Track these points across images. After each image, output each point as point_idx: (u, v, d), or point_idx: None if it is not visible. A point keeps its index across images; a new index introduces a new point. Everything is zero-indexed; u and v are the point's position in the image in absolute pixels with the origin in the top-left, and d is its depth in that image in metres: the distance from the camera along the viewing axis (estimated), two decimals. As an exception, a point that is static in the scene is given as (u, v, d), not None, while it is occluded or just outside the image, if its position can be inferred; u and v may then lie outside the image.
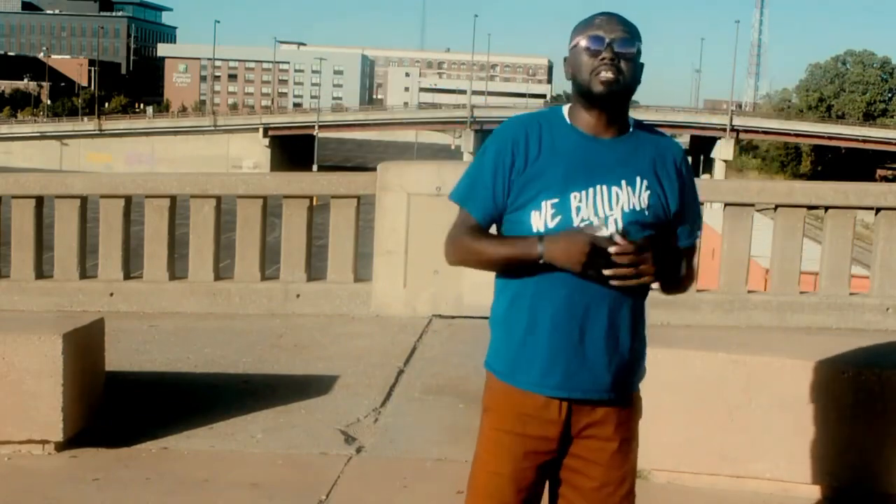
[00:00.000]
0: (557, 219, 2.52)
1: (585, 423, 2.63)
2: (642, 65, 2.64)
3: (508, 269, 2.59)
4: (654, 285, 2.61)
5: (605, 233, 2.47)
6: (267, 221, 8.36)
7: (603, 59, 2.53)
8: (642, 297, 2.66)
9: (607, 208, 2.53)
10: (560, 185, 2.54)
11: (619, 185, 2.55)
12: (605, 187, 2.54)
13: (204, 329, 7.58)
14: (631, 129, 2.65)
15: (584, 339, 2.56)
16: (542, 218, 2.54)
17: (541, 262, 2.50)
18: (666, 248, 2.60)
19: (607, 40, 2.54)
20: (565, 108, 2.65)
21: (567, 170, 2.55)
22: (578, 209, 2.53)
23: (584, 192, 2.53)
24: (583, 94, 2.59)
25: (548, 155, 2.56)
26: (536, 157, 2.57)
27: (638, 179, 2.57)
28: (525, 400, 2.61)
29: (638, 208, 2.55)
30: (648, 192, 2.58)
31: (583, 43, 2.57)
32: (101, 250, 8.34)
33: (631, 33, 2.58)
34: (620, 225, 2.52)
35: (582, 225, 2.51)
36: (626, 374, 2.66)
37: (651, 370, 4.53)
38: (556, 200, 2.53)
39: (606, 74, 2.52)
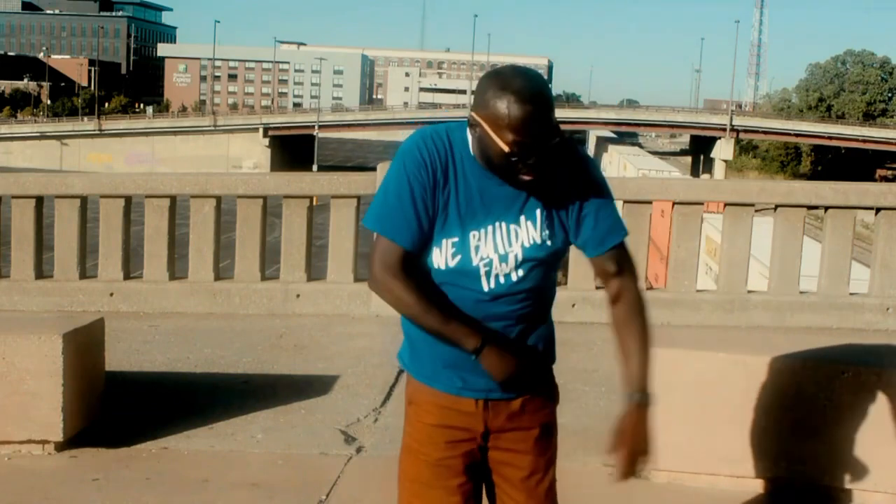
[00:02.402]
0: (458, 258, 2.49)
1: (505, 416, 2.64)
2: None
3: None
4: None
5: None
6: (267, 221, 8.36)
7: (528, 164, 2.39)
8: (552, 295, 2.66)
9: (506, 245, 2.51)
10: (459, 224, 2.49)
11: (518, 223, 2.51)
12: (503, 224, 2.49)
13: (204, 329, 7.58)
14: None
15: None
16: (442, 256, 2.50)
17: (473, 358, 2.48)
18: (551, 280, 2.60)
19: (529, 149, 2.36)
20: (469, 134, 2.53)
21: (467, 207, 2.49)
22: (477, 248, 2.50)
23: (482, 231, 2.49)
24: (492, 169, 2.45)
25: (452, 186, 2.50)
26: (444, 186, 2.49)
27: (538, 213, 2.52)
28: (440, 393, 2.63)
29: (539, 242, 2.52)
30: (548, 221, 2.53)
31: (500, 141, 2.36)
32: (101, 250, 8.33)
33: (553, 119, 2.38)
34: (520, 257, 2.49)
35: (481, 264, 2.49)
36: (536, 369, 2.65)
37: (651, 370, 4.55)
38: (455, 239, 2.49)
39: (525, 178, 2.42)
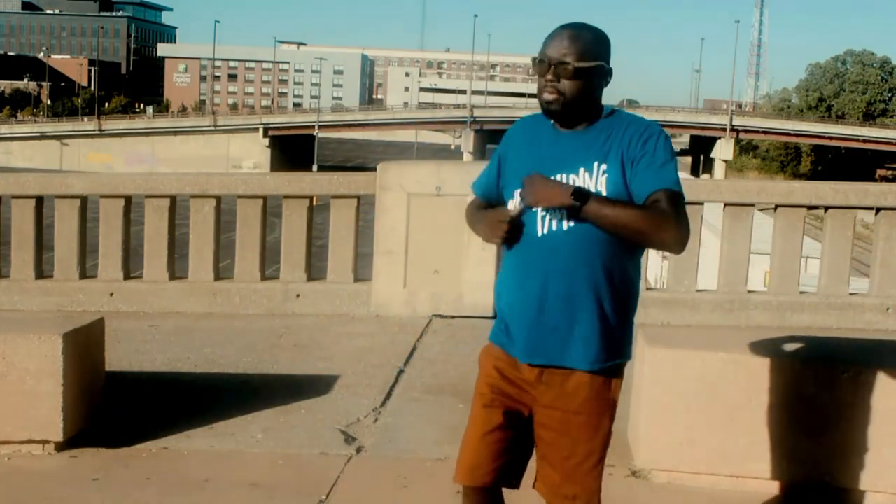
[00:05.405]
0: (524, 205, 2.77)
1: (555, 390, 2.78)
2: (602, 68, 2.74)
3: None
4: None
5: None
6: (267, 221, 8.36)
7: (546, 80, 2.72)
8: (617, 268, 2.75)
9: None
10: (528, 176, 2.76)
11: (577, 173, 2.72)
12: (563, 175, 2.71)
13: (204, 329, 7.58)
14: (603, 118, 2.79)
15: (545, 309, 2.72)
16: (513, 204, 2.79)
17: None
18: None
19: (548, 62, 2.70)
20: None
21: (533, 162, 2.76)
22: None
23: None
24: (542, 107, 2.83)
25: (524, 150, 2.82)
26: (516, 152, 2.86)
27: (595, 165, 2.71)
28: (505, 353, 2.88)
29: (594, 192, 2.68)
30: (606, 175, 2.70)
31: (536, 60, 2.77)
32: (101, 250, 8.34)
33: (576, 50, 2.69)
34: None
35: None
36: (596, 345, 2.75)
37: (651, 370, 4.55)
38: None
39: (546, 96, 2.73)
